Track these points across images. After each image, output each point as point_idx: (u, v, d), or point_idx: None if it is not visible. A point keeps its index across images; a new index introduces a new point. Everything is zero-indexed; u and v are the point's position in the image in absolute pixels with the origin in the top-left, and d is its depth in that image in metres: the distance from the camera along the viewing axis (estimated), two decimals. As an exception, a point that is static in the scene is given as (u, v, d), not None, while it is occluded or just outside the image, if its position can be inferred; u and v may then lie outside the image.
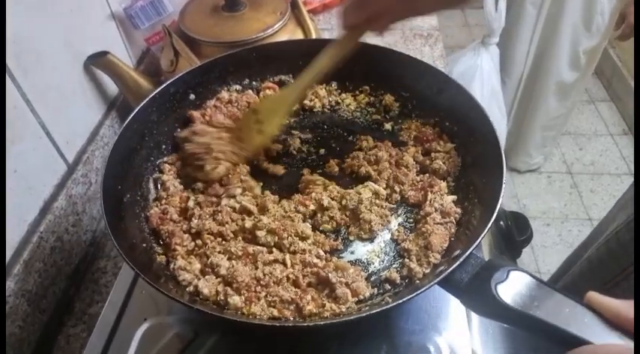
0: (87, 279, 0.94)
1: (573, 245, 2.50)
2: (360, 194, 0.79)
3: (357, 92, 1.00)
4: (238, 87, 0.99)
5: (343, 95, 1.00)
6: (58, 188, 0.91)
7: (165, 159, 0.87)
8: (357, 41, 0.79)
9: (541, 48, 2.24)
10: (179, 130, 0.91)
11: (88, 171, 0.98)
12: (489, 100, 2.09)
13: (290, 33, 1.12)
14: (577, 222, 2.59)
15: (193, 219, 0.76)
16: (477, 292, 0.60)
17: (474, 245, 0.63)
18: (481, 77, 2.03)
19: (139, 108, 0.83)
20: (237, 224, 0.76)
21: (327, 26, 1.54)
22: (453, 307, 0.77)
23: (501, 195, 0.68)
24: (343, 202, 0.79)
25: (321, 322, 0.63)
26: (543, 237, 2.54)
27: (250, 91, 0.98)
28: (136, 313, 0.78)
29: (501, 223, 0.91)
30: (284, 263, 0.71)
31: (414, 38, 1.48)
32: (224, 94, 0.96)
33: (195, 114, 0.91)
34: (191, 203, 0.79)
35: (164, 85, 0.88)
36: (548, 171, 2.84)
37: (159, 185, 0.84)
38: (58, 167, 0.92)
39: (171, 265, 0.71)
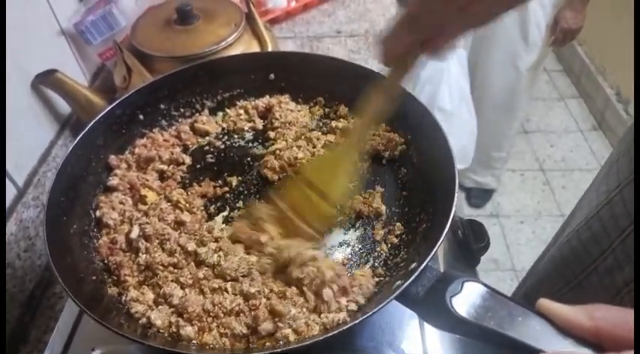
0: (42, 305, 0.91)
1: (547, 242, 2.52)
2: None
3: (312, 104, 0.97)
4: (184, 110, 0.95)
5: (299, 107, 0.97)
6: (8, 213, 0.88)
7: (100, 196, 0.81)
8: (408, 73, 0.66)
9: (474, 60, 2.15)
10: (128, 154, 0.87)
11: (39, 193, 0.95)
12: (459, 103, 2.08)
13: (245, 45, 1.09)
14: (550, 219, 2.62)
15: (140, 254, 0.72)
16: (433, 306, 0.59)
17: (428, 259, 0.62)
18: (448, 81, 2.02)
19: (82, 134, 0.79)
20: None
21: (290, 34, 1.52)
22: (407, 322, 0.76)
23: (454, 205, 0.67)
24: None
25: (278, 350, 0.60)
26: (518, 235, 2.56)
27: (184, 122, 0.94)
28: (83, 343, 0.75)
29: (458, 232, 0.90)
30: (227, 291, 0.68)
31: (378, 45, 1.46)
32: (157, 135, 0.91)
33: (115, 161, 0.85)
34: (134, 235, 0.75)
35: (108, 107, 0.84)
36: (521, 169, 2.87)
37: (92, 223, 0.78)
38: (8, 191, 0.89)
39: (124, 297, 0.68)
